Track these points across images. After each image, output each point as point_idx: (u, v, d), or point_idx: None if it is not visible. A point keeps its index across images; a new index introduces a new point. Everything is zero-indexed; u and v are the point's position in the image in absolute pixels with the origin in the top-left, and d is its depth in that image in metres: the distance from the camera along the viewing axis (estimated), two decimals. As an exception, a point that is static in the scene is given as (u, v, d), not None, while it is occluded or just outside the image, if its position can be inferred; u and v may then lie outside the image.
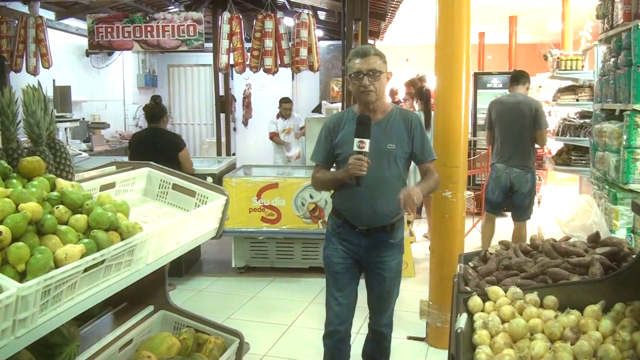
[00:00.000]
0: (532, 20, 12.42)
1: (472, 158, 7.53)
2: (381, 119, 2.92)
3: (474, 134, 8.40)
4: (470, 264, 2.36)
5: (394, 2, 7.37)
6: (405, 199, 2.67)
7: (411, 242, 6.03)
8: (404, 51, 15.64)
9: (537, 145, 5.53)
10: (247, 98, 10.64)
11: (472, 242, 6.11)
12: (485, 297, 1.98)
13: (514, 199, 5.47)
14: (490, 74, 8.88)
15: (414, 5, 8.78)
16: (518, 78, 5.54)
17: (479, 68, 13.99)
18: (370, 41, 10.15)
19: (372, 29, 9.28)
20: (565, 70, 6.49)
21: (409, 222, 6.09)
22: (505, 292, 1.95)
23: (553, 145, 8.13)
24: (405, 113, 3.00)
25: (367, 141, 2.69)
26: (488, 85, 8.48)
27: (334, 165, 3.09)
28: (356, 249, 2.99)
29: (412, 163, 3.08)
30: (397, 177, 2.93)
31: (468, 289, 2.10)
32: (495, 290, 1.97)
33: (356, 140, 2.70)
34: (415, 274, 5.64)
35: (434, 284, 4.06)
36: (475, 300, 1.97)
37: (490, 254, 2.41)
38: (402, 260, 3.11)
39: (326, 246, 3.10)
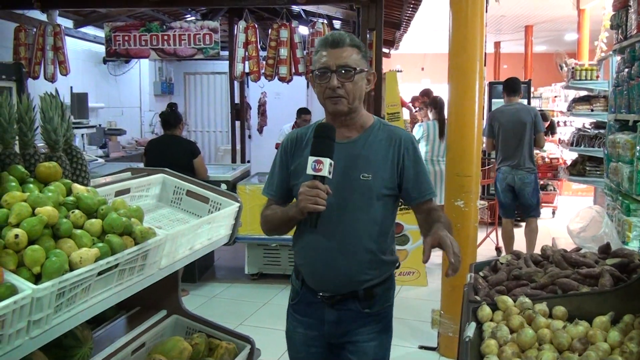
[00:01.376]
0: (548, 30, 12.39)
1: (486, 167, 7.51)
2: (356, 137, 2.09)
3: (489, 144, 8.36)
4: (481, 273, 2.37)
5: (409, 12, 7.40)
6: (453, 258, 1.85)
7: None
8: (420, 60, 15.66)
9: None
10: (262, 106, 10.69)
11: (486, 252, 6.10)
12: (494, 307, 1.99)
13: (522, 201, 5.97)
14: (505, 83, 8.84)
15: (429, 14, 8.80)
16: (516, 88, 6.04)
17: (495, 77, 13.96)
18: (385, 50, 10.19)
19: (387, 37, 9.31)
20: (579, 80, 6.52)
21: (422, 232, 6.08)
22: (515, 302, 1.96)
23: (567, 155, 8.09)
24: (392, 131, 2.11)
25: (326, 161, 1.88)
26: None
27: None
28: (319, 326, 2.17)
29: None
30: (373, 222, 2.06)
31: (478, 298, 2.11)
32: (504, 299, 1.97)
33: (311, 159, 1.89)
34: (427, 284, 5.63)
35: (446, 294, 4.05)
36: (484, 310, 1.97)
37: (501, 263, 2.41)
38: (388, 343, 2.25)
39: (286, 319, 2.35)
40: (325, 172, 1.88)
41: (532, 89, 10.68)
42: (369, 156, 2.06)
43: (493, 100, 8.41)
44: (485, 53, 4.37)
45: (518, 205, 6.06)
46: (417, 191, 2.09)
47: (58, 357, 1.94)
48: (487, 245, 6.62)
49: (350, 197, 2.03)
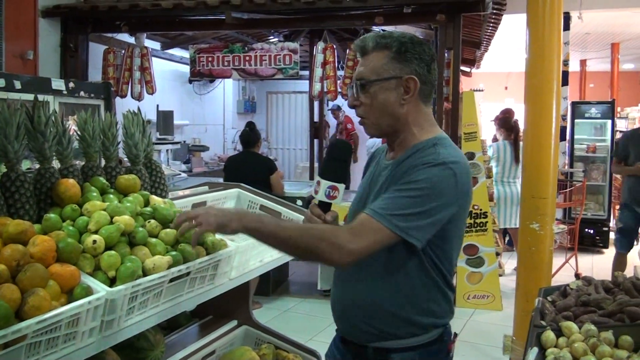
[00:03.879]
0: (635, 47, 11.85)
1: (567, 190, 7.26)
2: (395, 159, 1.70)
3: (571, 165, 8.09)
4: (549, 298, 2.32)
5: (489, 31, 7.30)
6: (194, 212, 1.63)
7: (500, 275, 5.88)
8: (503, 78, 15.32)
9: None
10: (340, 124, 10.81)
11: (563, 278, 5.87)
12: (559, 333, 1.94)
13: None
14: (588, 103, 8.51)
15: (511, 32, 8.65)
16: None
17: (581, 97, 13.42)
18: (465, 69, 10.07)
19: (468, 57, 9.21)
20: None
21: (497, 254, 5.95)
22: (580, 328, 1.91)
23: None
24: (420, 155, 1.63)
25: (323, 185, 1.64)
26: (586, 115, 8.13)
27: None
28: None
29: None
30: (380, 267, 1.66)
31: (543, 323, 2.07)
32: (569, 326, 1.93)
33: (325, 184, 1.64)
34: (502, 308, 5.49)
35: (519, 319, 3.95)
36: (548, 335, 1.93)
37: (571, 289, 2.35)
38: None
39: None
40: (320, 195, 1.65)
41: (619, 108, 10.22)
42: (384, 181, 1.69)
43: (576, 120, 8.12)
44: (567, 72, 4.27)
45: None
46: (372, 201, 1.65)
47: (130, 359, 2.06)
48: (567, 272, 6.37)
49: None
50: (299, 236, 1.54)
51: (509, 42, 9.98)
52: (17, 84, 3.97)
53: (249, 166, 5.44)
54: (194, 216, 1.61)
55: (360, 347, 1.73)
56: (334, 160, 1.69)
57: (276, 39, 7.92)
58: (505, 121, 6.65)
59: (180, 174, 6.93)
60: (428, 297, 1.68)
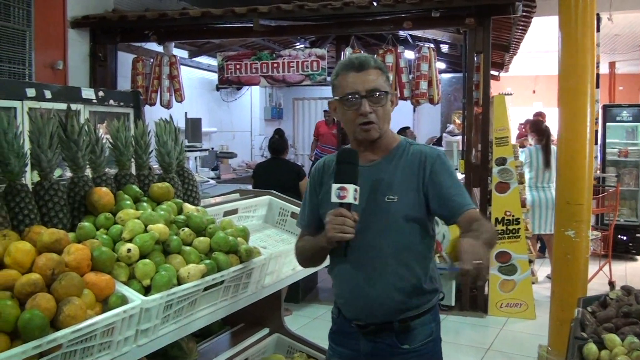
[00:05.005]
0: (665, 48, 11.59)
1: (600, 195, 7.10)
2: (380, 159, 1.98)
3: (603, 170, 7.92)
4: (589, 308, 2.25)
5: (518, 34, 7.20)
6: (465, 256, 1.61)
7: (533, 283, 5.77)
8: (531, 82, 15.12)
9: None
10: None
11: (597, 286, 5.73)
12: (601, 345, 1.88)
13: None
14: (620, 106, 8.31)
15: (539, 35, 8.53)
16: None
17: (610, 100, 13.15)
18: (494, 72, 9.96)
19: (496, 60, 9.10)
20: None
21: (530, 262, 5.84)
22: (622, 340, 1.85)
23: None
24: (419, 150, 1.98)
25: (351, 187, 1.79)
26: (618, 118, 7.94)
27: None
28: (354, 358, 2.01)
29: None
30: (402, 246, 1.92)
31: (584, 335, 2.01)
32: (612, 338, 1.87)
33: (335, 187, 1.80)
34: (536, 317, 5.38)
35: (554, 329, 3.86)
36: (590, 348, 1.87)
37: (611, 299, 2.28)
38: None
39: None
40: (350, 198, 1.78)
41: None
42: (394, 178, 1.93)
43: (608, 124, 7.95)
44: (598, 74, 4.17)
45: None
46: (447, 210, 1.91)
47: (164, 367, 2.06)
48: (600, 279, 6.22)
49: (376, 221, 1.91)
50: (492, 236, 1.85)
51: (536, 45, 9.84)
52: (48, 94, 4.01)
53: (278, 173, 5.45)
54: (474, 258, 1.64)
55: (386, 325, 1.94)
56: (339, 163, 1.86)
57: (302, 46, 7.92)
58: (536, 125, 6.56)
59: (209, 181, 6.96)
60: (432, 267, 2.01)
